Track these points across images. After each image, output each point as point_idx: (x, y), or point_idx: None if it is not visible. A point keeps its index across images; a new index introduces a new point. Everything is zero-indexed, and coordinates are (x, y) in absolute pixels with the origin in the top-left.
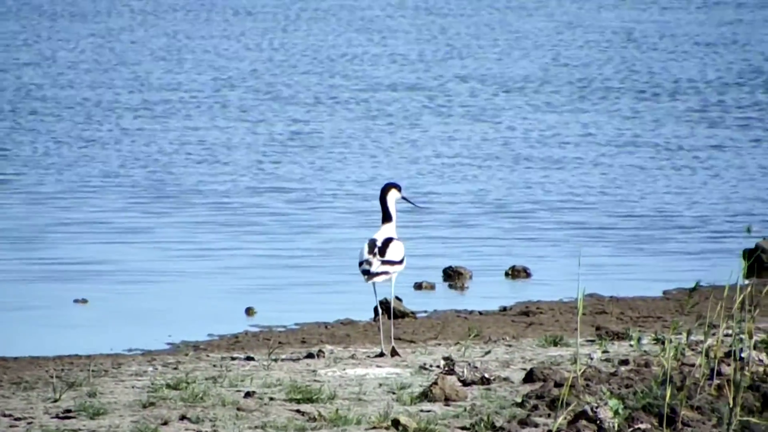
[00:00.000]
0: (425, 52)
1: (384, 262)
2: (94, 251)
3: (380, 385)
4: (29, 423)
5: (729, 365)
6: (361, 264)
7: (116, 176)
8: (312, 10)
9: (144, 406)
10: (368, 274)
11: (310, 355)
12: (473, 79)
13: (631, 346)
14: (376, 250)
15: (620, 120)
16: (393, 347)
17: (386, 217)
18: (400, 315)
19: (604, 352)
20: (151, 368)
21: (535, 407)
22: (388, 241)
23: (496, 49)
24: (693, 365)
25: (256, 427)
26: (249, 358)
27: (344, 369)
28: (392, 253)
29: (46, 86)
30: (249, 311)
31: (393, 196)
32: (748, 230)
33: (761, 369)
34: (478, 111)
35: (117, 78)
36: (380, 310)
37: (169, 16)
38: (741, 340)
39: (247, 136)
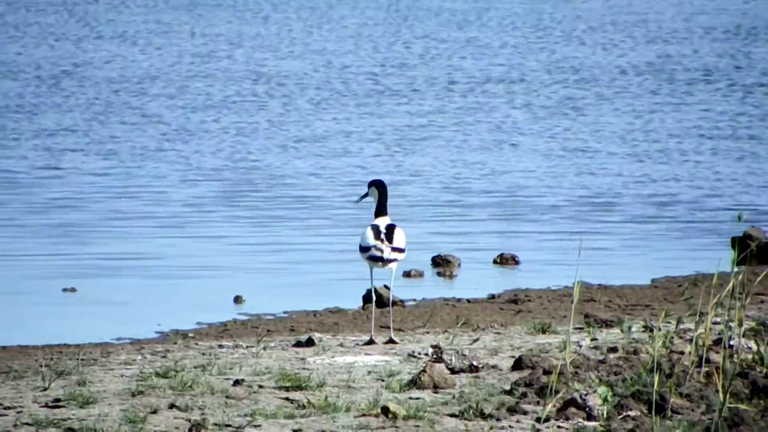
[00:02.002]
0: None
1: (394, 249)
2: (82, 240)
3: (369, 372)
4: (18, 412)
5: (718, 353)
6: (367, 249)
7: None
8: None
9: (133, 395)
10: (382, 260)
11: (299, 343)
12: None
13: (620, 332)
14: (383, 236)
15: (610, 109)
16: (391, 337)
17: (383, 211)
18: (388, 303)
19: (593, 339)
20: (139, 357)
21: (524, 395)
22: (392, 228)
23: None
24: (682, 353)
25: (245, 415)
26: (237, 346)
27: (333, 357)
28: (398, 240)
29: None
30: (237, 299)
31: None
32: (740, 218)
33: (750, 356)
34: (465, 98)
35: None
36: (374, 296)
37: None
38: (730, 327)
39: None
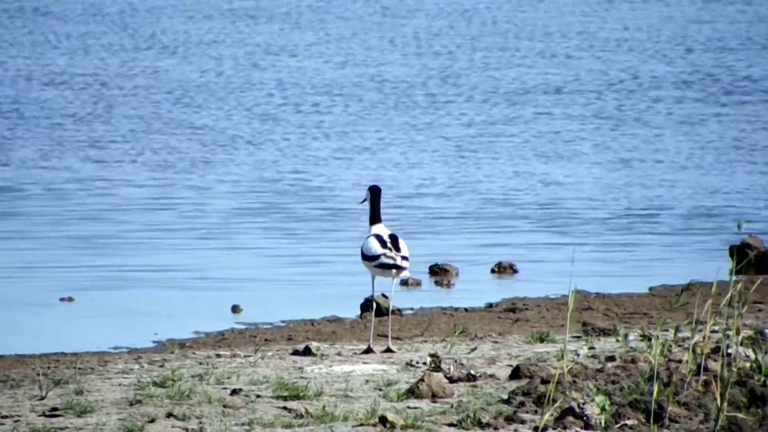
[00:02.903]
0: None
1: (404, 258)
2: (81, 250)
3: (367, 381)
4: (16, 421)
5: (716, 361)
6: (375, 258)
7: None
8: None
9: (131, 404)
10: (396, 267)
11: (297, 352)
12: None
13: (617, 341)
14: (389, 245)
15: (608, 116)
16: (388, 346)
17: (377, 218)
18: (386, 312)
19: (591, 348)
20: (137, 366)
21: (522, 404)
22: (395, 237)
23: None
24: (680, 361)
25: (242, 424)
26: (235, 355)
27: (331, 366)
28: (405, 248)
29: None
30: (235, 308)
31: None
32: (739, 226)
33: (748, 365)
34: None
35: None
36: (374, 305)
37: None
38: (728, 336)
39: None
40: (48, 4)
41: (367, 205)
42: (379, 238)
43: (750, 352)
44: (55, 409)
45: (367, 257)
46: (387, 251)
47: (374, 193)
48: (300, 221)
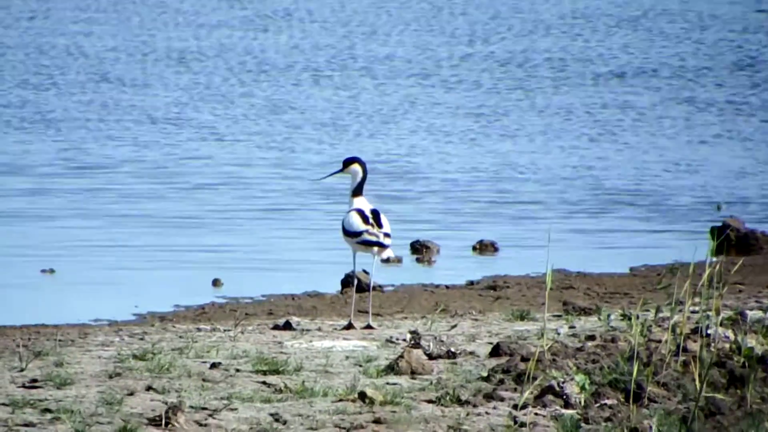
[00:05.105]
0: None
1: (386, 235)
2: (61, 222)
3: (347, 357)
4: None
5: (695, 342)
6: (357, 234)
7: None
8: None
9: (110, 377)
10: (379, 245)
11: (277, 327)
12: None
13: (598, 320)
14: (371, 221)
15: (592, 93)
16: (369, 323)
17: (360, 191)
18: (366, 288)
19: (571, 327)
20: (117, 339)
21: (501, 381)
22: (377, 213)
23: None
24: (660, 341)
25: (221, 398)
26: (215, 329)
27: (311, 341)
28: (387, 225)
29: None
30: (215, 282)
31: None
32: (718, 208)
33: (727, 346)
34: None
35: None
36: (355, 281)
37: None
38: (707, 317)
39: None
40: None
41: (348, 179)
42: (360, 213)
43: (729, 333)
44: (34, 380)
45: (349, 233)
46: (369, 228)
47: (362, 165)
48: (282, 195)
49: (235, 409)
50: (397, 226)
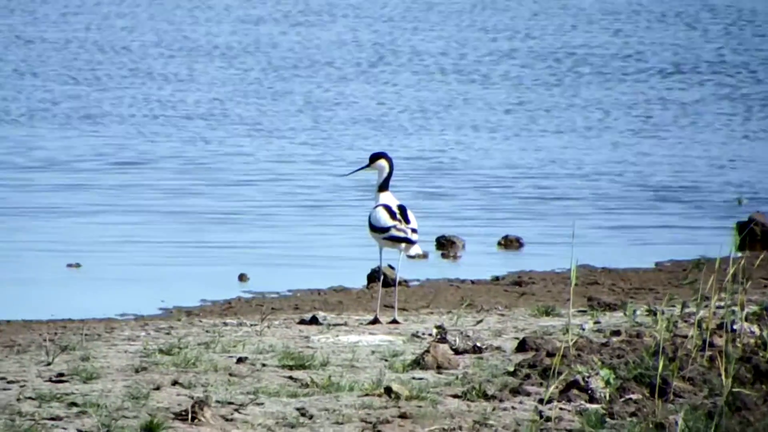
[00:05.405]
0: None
1: (413, 231)
2: (93, 218)
3: (373, 352)
4: (22, 386)
5: (721, 337)
6: (386, 230)
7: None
8: None
9: (136, 371)
10: (407, 241)
11: (303, 321)
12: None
13: (624, 315)
14: (398, 216)
15: (612, 89)
16: (395, 317)
17: (386, 186)
18: (392, 283)
19: (596, 322)
20: (143, 333)
21: (527, 376)
22: (404, 208)
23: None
24: (685, 337)
25: (248, 393)
26: (241, 324)
27: (337, 336)
28: (413, 220)
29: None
30: (242, 277)
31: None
32: (740, 202)
33: (752, 341)
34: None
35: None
36: (381, 276)
37: None
38: (733, 312)
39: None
40: None
41: (374, 175)
42: (387, 208)
43: (755, 328)
44: (61, 374)
45: (376, 229)
46: (397, 223)
47: (389, 161)
48: (320, 191)
49: (262, 403)
50: (423, 221)
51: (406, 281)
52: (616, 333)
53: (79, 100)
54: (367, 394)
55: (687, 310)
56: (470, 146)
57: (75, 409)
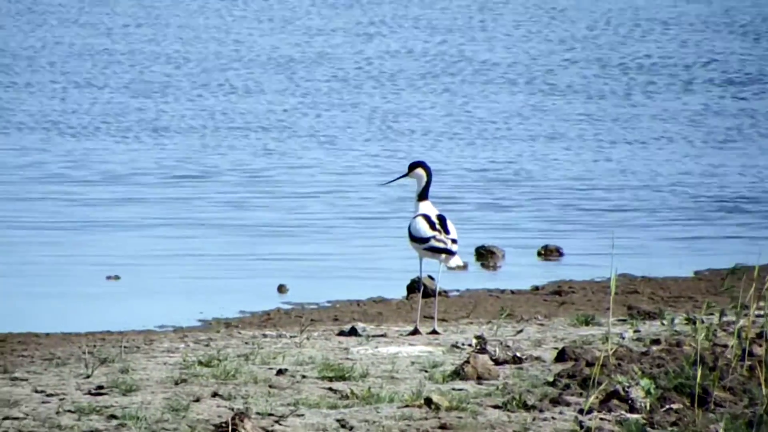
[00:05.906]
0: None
1: (453, 241)
2: (141, 231)
3: (412, 363)
4: (61, 399)
5: (761, 346)
6: (425, 240)
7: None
8: None
9: (176, 383)
10: (448, 252)
11: (343, 333)
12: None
13: (664, 324)
14: (438, 227)
15: (652, 98)
16: (434, 328)
17: (426, 195)
18: (432, 293)
19: (636, 331)
20: (182, 345)
21: (567, 386)
22: (444, 218)
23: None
24: (725, 346)
25: (288, 405)
26: (281, 335)
27: (377, 347)
28: (453, 230)
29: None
30: (281, 288)
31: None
32: None
33: None
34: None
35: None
36: (421, 286)
37: None
38: None
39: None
40: None
41: (414, 183)
42: (427, 218)
43: None
44: (100, 387)
45: (416, 239)
46: (437, 234)
47: (427, 170)
48: (376, 203)
49: (302, 415)
50: (463, 230)
51: (445, 291)
52: (656, 342)
53: (143, 113)
54: (407, 405)
55: (726, 319)
56: (539, 157)
57: (114, 422)
